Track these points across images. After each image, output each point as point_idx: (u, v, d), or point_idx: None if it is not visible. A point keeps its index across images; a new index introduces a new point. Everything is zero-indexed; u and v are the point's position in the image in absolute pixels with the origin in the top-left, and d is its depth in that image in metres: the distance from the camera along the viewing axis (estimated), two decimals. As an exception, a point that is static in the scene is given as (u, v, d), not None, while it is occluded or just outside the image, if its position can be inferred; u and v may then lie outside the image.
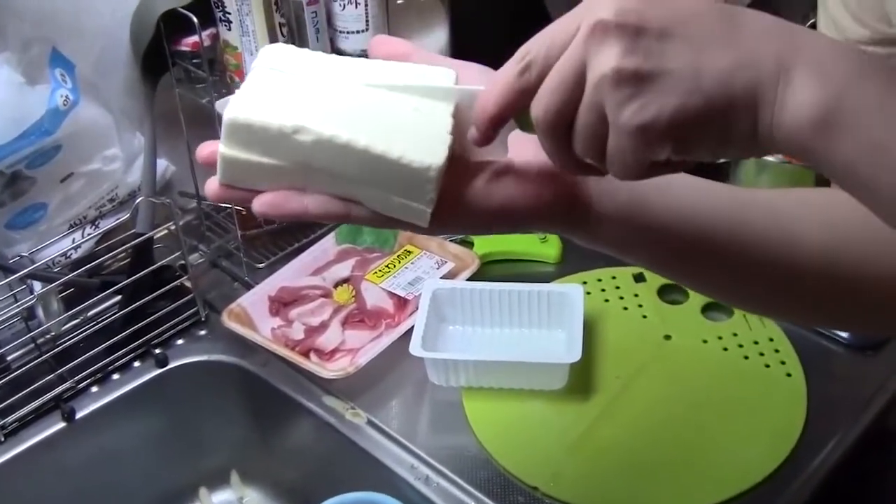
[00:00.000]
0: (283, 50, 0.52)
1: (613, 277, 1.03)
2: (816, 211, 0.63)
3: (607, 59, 0.45)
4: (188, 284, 1.01)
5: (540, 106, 0.47)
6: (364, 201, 0.50)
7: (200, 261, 1.10)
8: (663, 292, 1.02)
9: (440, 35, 1.11)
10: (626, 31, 0.45)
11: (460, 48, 1.14)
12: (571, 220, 0.56)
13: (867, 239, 0.61)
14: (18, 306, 0.90)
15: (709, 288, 0.65)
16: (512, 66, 0.48)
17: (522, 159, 0.54)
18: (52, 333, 0.95)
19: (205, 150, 0.53)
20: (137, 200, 0.95)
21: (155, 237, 0.98)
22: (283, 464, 1.02)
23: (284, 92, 0.50)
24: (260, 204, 0.51)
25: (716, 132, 0.47)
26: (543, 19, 0.47)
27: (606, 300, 1.01)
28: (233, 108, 0.48)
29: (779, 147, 0.46)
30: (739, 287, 0.63)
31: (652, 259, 0.61)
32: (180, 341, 1.01)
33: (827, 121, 0.44)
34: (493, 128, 0.49)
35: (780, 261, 0.60)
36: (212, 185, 0.52)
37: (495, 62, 0.52)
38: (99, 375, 0.96)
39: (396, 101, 0.51)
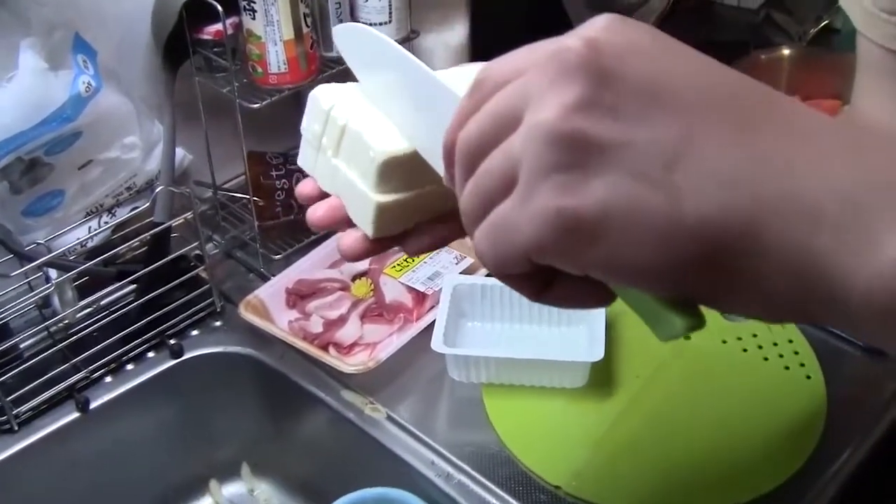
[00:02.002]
0: (333, 88, 0.52)
1: (631, 276, 1.03)
2: None
3: (552, 104, 0.33)
4: (204, 275, 1.00)
5: (465, 127, 0.37)
6: None
7: (215, 251, 1.09)
8: (681, 292, 1.01)
9: (461, 30, 1.10)
10: (592, 70, 0.33)
11: (481, 43, 1.13)
12: None
13: None
14: (35, 294, 0.89)
15: None
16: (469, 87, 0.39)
17: None
18: (67, 322, 0.94)
19: (347, 241, 0.49)
20: (156, 190, 0.94)
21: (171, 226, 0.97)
22: (297, 457, 1.02)
23: (388, 116, 0.49)
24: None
25: (683, 268, 0.33)
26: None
27: (625, 299, 1.00)
28: (380, 147, 0.46)
29: (844, 312, 0.33)
30: None
31: None
32: (195, 332, 1.00)
33: None
34: (452, 163, 0.39)
35: None
36: (357, 246, 0.49)
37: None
38: (113, 366, 0.95)
39: None
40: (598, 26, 0.34)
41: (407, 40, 1.03)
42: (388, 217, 0.48)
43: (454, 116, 0.38)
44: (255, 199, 1.02)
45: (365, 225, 0.49)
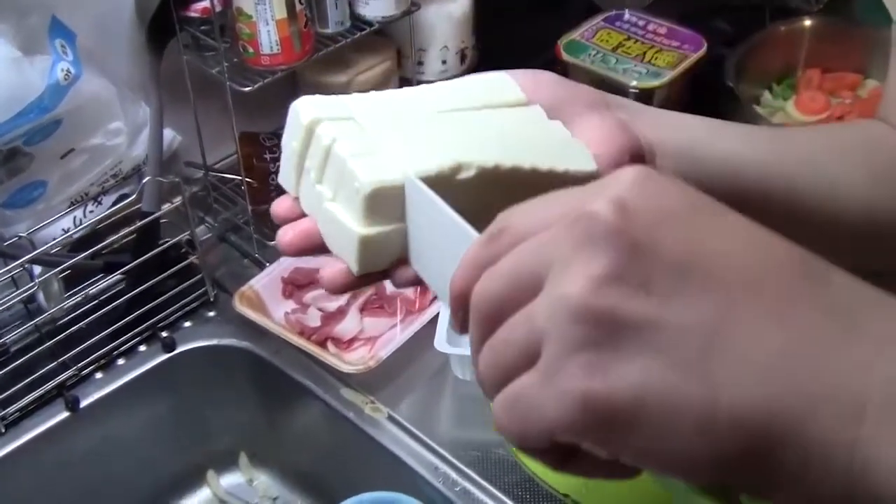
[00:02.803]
0: (317, 101, 0.45)
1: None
2: (859, 160, 0.56)
3: (577, 275, 0.30)
4: (196, 262, 0.96)
5: (481, 281, 0.34)
6: None
7: (207, 235, 1.04)
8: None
9: (464, 1, 1.04)
10: (622, 242, 0.30)
11: (484, 14, 1.07)
12: None
13: None
14: (20, 294, 0.84)
15: None
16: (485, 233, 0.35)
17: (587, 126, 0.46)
18: (53, 317, 0.90)
19: (329, 273, 0.45)
20: (144, 181, 0.89)
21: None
22: (296, 449, 0.99)
23: (379, 139, 0.43)
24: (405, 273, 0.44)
25: (726, 461, 0.30)
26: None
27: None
28: (367, 175, 0.41)
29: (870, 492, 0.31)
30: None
31: None
32: (188, 324, 0.96)
33: None
34: (461, 309, 0.35)
35: (821, 215, 0.53)
36: (339, 279, 0.44)
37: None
38: (103, 361, 0.91)
39: (494, 119, 0.45)
40: (627, 183, 0.31)
41: (407, 13, 0.97)
42: (373, 251, 0.43)
43: (466, 262, 0.35)
44: (247, 180, 0.98)
45: (348, 259, 0.44)
